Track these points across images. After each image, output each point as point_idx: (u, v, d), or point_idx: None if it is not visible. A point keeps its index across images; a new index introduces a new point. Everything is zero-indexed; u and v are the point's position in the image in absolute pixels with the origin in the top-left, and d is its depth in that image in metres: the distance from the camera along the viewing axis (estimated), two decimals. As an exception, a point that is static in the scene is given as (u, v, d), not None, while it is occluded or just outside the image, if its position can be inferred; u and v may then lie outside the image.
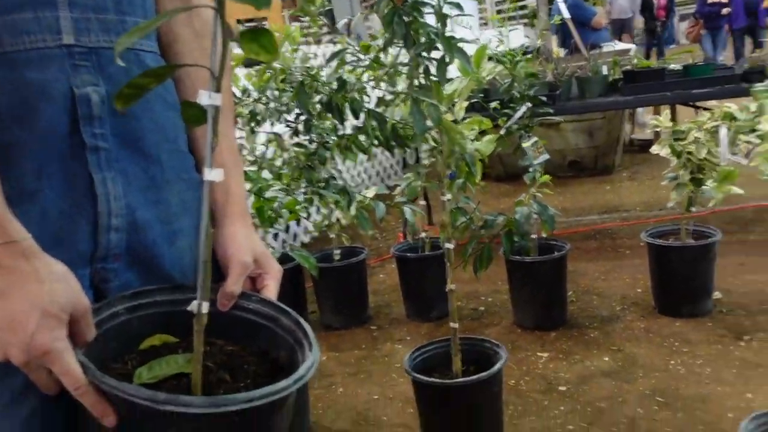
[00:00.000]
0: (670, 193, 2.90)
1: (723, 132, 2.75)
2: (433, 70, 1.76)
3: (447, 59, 1.72)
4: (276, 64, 2.02)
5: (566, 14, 5.92)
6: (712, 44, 7.91)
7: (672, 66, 3.89)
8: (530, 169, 2.92)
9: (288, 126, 2.22)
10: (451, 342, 2.08)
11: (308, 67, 1.90)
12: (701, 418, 2.18)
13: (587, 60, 4.31)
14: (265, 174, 2.34)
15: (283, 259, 2.58)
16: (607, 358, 2.64)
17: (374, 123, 1.89)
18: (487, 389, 2.00)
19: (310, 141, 2.18)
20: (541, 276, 2.95)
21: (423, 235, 3.25)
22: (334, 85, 1.83)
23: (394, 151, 2.64)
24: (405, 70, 1.80)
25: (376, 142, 2.00)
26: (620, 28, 8.30)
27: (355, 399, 2.60)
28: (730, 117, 2.78)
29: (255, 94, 2.21)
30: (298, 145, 2.21)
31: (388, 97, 1.78)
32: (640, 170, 5.71)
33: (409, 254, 3.25)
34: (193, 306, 0.72)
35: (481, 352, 2.16)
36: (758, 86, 2.81)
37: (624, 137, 6.12)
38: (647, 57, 6.38)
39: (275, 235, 3.98)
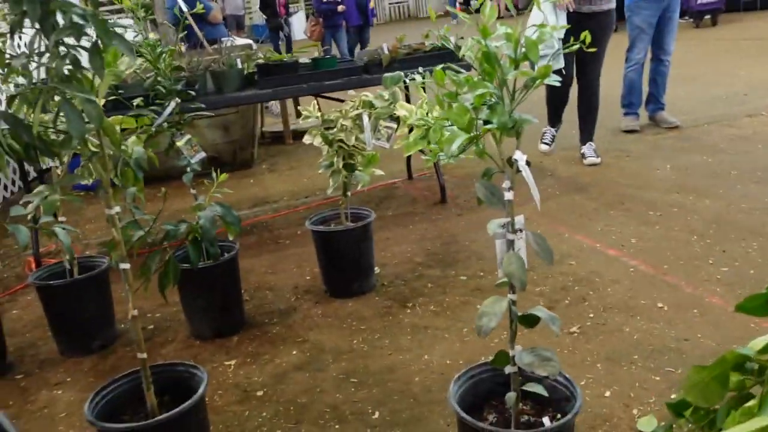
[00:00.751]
0: (328, 180, 3.00)
1: (365, 119, 2.94)
2: (83, 60, 1.46)
3: (101, 47, 1.44)
4: None
5: (185, 7, 5.74)
6: (333, 40, 8.56)
7: (302, 59, 4.04)
8: (188, 169, 2.72)
9: None
10: (141, 375, 1.80)
11: None
12: (393, 389, 2.30)
13: (219, 54, 4.22)
14: None
15: None
16: (295, 352, 2.62)
17: (4, 128, 1.49)
18: (193, 419, 1.79)
19: None
20: (214, 281, 2.78)
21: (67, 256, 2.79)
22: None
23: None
24: (45, 59, 1.45)
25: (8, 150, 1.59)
26: (234, 24, 8.42)
27: (15, 472, 2.09)
28: (370, 105, 2.99)
29: None
30: None
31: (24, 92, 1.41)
32: (278, 162, 5.89)
33: (53, 282, 2.75)
34: None
35: (174, 378, 1.93)
36: (386, 75, 3.07)
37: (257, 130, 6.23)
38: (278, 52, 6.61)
39: None
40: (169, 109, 2.60)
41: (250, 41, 7.03)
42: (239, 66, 3.95)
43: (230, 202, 4.68)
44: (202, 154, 2.75)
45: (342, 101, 3.84)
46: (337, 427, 2.14)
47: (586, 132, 4.81)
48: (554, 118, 5.04)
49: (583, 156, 4.74)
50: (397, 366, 2.44)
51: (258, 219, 4.29)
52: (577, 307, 2.72)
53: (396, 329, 2.71)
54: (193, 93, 2.78)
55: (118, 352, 2.76)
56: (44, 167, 3.43)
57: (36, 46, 1.44)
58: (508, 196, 1.54)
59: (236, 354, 2.65)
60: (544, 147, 5.04)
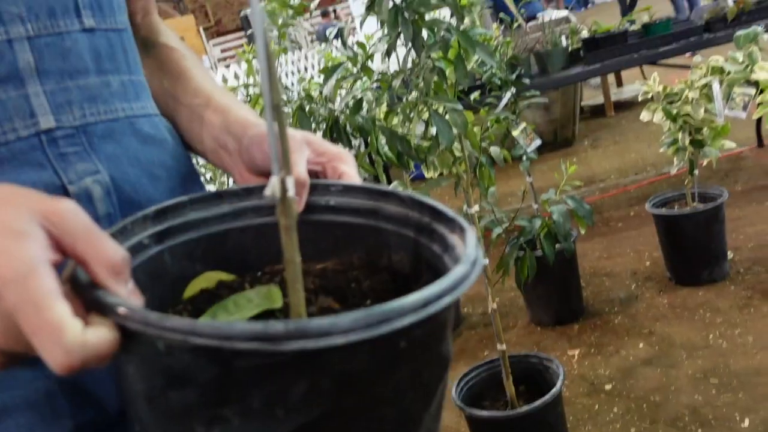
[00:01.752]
0: (672, 157, 2.78)
1: (716, 88, 2.64)
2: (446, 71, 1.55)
3: (463, 57, 1.51)
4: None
5: (502, -10, 5.81)
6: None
7: (631, 27, 3.79)
8: (524, 158, 2.75)
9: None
10: (499, 364, 1.88)
11: (306, 89, 1.66)
12: (764, 394, 2.05)
13: (540, 32, 4.18)
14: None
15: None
16: (641, 344, 2.50)
17: (383, 140, 1.66)
18: (552, 412, 1.82)
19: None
20: (553, 266, 2.78)
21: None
22: (335, 105, 1.59)
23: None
24: (413, 74, 1.58)
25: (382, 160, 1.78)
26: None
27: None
28: (720, 71, 2.67)
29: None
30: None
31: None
32: (600, 137, 5.66)
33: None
34: (271, 187, 0.45)
35: (529, 369, 1.98)
36: (740, 32, 2.71)
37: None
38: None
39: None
40: (504, 101, 2.66)
41: (565, 12, 6.84)
42: (563, 43, 3.86)
43: (554, 183, 4.65)
44: (538, 142, 2.75)
45: (683, 67, 3.52)
46: (699, 431, 1.98)
47: None
48: None
49: None
50: (765, 368, 2.17)
51: (587, 200, 4.17)
52: None
53: (760, 324, 2.40)
54: (527, 81, 2.79)
55: (463, 335, 2.94)
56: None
57: (407, 63, 1.57)
58: None
59: (578, 343, 2.63)
60: None
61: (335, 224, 0.58)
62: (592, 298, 2.93)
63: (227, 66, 4.78)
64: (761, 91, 2.63)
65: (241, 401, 0.38)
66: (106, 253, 0.41)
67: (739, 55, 2.68)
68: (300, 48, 5.02)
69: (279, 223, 0.45)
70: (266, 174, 0.59)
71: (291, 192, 0.44)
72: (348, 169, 0.61)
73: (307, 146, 0.61)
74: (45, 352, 0.36)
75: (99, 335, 0.37)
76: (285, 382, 0.38)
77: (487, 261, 1.78)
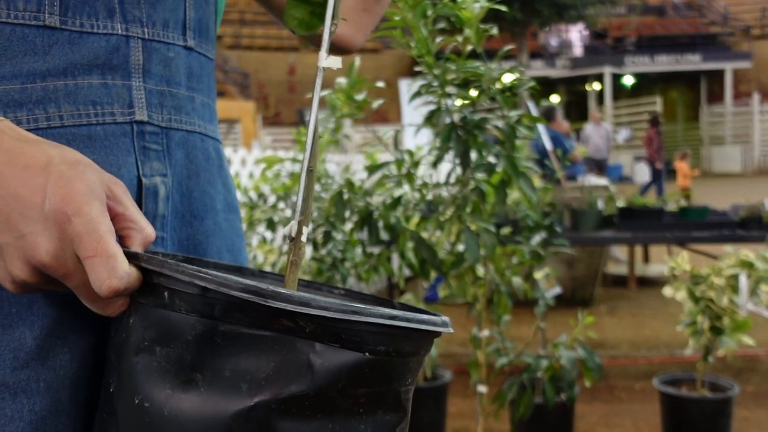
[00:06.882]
0: (689, 339, 2.74)
1: (743, 280, 2.65)
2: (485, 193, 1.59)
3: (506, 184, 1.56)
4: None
5: (549, 146, 6.05)
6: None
7: (668, 207, 3.88)
8: (540, 302, 2.75)
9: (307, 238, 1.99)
10: (474, 503, 1.79)
11: (349, 178, 1.72)
12: None
13: (579, 192, 4.29)
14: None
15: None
16: None
17: (410, 245, 1.69)
18: None
19: (328, 254, 1.95)
20: (550, 414, 2.69)
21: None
22: (373, 199, 1.64)
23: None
24: (454, 190, 1.63)
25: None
26: (594, 166, 8.55)
27: None
28: (749, 265, 2.69)
29: (272, 200, 2.00)
30: (315, 259, 1.98)
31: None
32: (619, 306, 5.62)
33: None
34: (289, 228, 0.51)
35: None
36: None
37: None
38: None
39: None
40: (534, 241, 2.69)
41: (605, 182, 7.05)
42: (600, 206, 3.95)
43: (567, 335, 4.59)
44: (558, 290, 2.76)
45: (710, 256, 3.55)
46: None
47: None
48: None
49: None
50: None
51: (593, 363, 4.09)
52: None
53: None
54: (558, 230, 2.83)
55: (443, 467, 2.81)
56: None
57: (452, 177, 1.62)
58: None
59: (559, 506, 2.49)
60: None
61: None
62: (581, 464, 2.81)
63: (275, 150, 4.98)
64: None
65: (214, 368, 0.41)
66: (146, 228, 0.52)
67: (770, 254, 2.71)
68: (347, 152, 5.22)
69: (287, 258, 0.51)
70: None
71: (304, 237, 0.51)
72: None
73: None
74: (97, 275, 0.44)
75: (135, 271, 0.46)
76: (258, 357, 0.41)
77: (485, 389, 1.74)
